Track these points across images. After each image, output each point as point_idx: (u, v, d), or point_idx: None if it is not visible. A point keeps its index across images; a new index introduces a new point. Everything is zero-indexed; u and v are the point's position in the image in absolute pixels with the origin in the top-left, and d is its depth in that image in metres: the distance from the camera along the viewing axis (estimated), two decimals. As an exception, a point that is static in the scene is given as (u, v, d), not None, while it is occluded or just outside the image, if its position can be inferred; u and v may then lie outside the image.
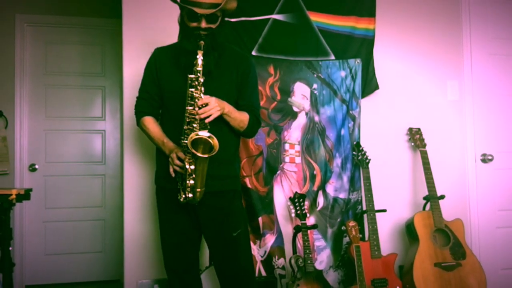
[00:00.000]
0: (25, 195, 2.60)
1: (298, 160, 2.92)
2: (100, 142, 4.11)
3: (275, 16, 2.93)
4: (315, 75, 2.95)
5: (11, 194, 2.50)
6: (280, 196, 2.87)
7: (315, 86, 2.95)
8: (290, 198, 2.77)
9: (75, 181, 4.01)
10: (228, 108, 2.06)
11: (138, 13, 2.83)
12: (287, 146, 2.91)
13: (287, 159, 2.90)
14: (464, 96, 3.27)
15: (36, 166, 3.92)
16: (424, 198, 2.95)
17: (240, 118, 2.13)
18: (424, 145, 3.03)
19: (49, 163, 3.96)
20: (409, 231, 2.93)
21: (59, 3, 4.01)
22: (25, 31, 3.91)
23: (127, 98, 2.80)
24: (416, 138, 3.06)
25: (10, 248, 2.55)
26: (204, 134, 1.94)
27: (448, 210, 2.97)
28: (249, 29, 2.87)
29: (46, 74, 4.00)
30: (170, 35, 2.75)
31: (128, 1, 2.82)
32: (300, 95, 2.93)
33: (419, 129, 3.10)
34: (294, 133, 2.92)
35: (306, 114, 2.94)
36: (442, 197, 2.91)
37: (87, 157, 4.06)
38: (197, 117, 1.95)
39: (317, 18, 2.99)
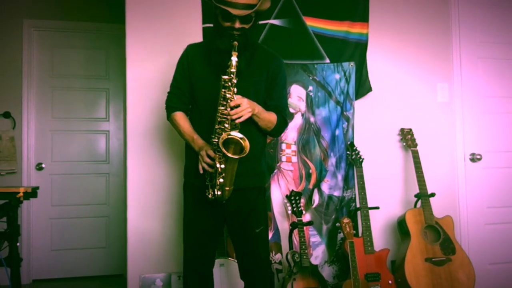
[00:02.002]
0: (32, 193, 2.61)
1: (294, 159, 2.95)
2: (104, 142, 4.16)
3: (272, 21, 2.97)
4: (310, 78, 2.98)
5: (18, 192, 2.51)
6: (277, 194, 2.91)
7: (310, 88, 2.98)
8: (286, 196, 2.82)
9: (80, 179, 4.05)
10: (258, 109, 2.04)
11: (141, 19, 2.86)
12: (283, 146, 2.95)
13: (283, 158, 2.94)
14: (453, 98, 3.29)
15: (43, 165, 3.96)
16: (415, 195, 2.98)
17: (268, 118, 2.11)
18: (416, 145, 3.06)
19: (55, 162, 4.01)
20: (401, 227, 2.96)
21: (65, 9, 4.05)
22: (32, 36, 3.95)
23: (130, 100, 2.83)
24: (407, 138, 3.08)
25: (18, 244, 2.56)
26: (237, 135, 1.90)
27: (438, 207, 3.00)
28: (248, 34, 2.94)
29: (52, 76, 4.05)
30: (171, 39, 2.81)
31: (131, 7, 2.85)
32: (296, 97, 2.97)
33: (410, 129, 3.12)
34: (291, 133, 2.96)
35: (302, 115, 2.98)
36: (433, 195, 2.95)
37: (92, 156, 4.11)
38: (228, 117, 1.93)
39: (312, 23, 3.03)
